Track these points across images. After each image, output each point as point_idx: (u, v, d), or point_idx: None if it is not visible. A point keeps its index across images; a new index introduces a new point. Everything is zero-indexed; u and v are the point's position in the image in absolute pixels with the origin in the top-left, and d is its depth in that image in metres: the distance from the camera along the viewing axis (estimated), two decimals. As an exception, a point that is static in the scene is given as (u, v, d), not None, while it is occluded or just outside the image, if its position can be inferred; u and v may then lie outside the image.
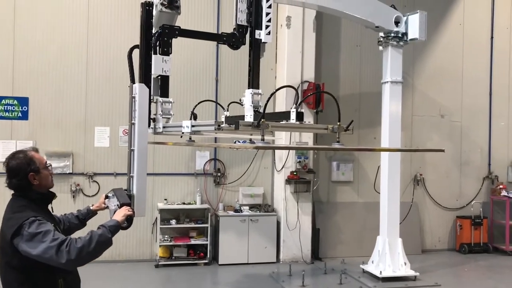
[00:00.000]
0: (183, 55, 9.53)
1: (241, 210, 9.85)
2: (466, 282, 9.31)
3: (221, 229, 9.55)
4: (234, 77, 9.95)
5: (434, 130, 11.19)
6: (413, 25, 8.26)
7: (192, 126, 5.02)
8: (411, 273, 8.62)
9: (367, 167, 10.71)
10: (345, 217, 10.57)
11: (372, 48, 9.68)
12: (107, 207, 4.00)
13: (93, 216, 4.14)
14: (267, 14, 4.87)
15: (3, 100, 9.18)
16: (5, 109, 9.18)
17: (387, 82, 8.57)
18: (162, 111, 5.11)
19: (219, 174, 10.03)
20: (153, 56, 4.81)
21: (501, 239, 11.18)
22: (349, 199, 10.71)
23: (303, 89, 9.67)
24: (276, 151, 10.18)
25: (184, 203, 9.80)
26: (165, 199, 9.74)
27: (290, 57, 9.75)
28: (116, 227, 3.47)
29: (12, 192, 3.48)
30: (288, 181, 9.76)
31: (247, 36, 5.01)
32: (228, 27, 5.41)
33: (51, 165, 3.63)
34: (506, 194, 11.06)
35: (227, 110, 5.51)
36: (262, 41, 4.92)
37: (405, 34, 8.37)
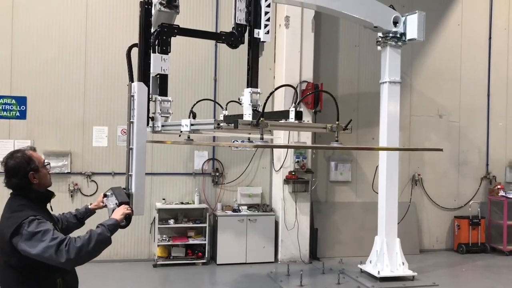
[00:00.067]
0: (181, 55, 9.55)
1: (239, 210, 9.85)
2: (464, 282, 9.34)
3: (219, 229, 9.55)
4: (233, 76, 9.96)
5: (432, 130, 11.20)
6: (412, 25, 8.27)
7: (191, 124, 5.02)
8: (409, 273, 8.62)
9: (365, 167, 10.72)
10: (343, 217, 10.58)
11: (370, 48, 9.70)
12: (105, 206, 4.00)
13: (92, 215, 4.14)
14: (266, 13, 4.87)
15: (1, 100, 9.16)
16: (3, 108, 9.17)
17: (386, 82, 8.57)
18: (161, 110, 5.11)
19: (217, 174, 10.04)
20: (152, 54, 4.81)
21: (498, 239, 11.20)
22: (347, 199, 10.72)
23: (302, 89, 9.68)
24: (275, 151, 10.18)
25: (182, 203, 9.80)
26: (163, 199, 9.74)
27: (289, 57, 9.76)
28: (115, 226, 3.47)
29: (11, 191, 3.48)
30: (287, 181, 9.77)
31: (246, 35, 5.01)
32: (226, 27, 5.42)
33: (49, 164, 3.64)
34: (504, 194, 11.08)
35: (226, 109, 5.51)
36: (261, 40, 4.91)
37: (403, 34, 8.37)
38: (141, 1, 4.75)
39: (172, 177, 9.88)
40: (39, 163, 3.47)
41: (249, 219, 9.68)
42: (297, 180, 9.76)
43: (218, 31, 5.76)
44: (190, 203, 9.80)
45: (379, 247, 8.71)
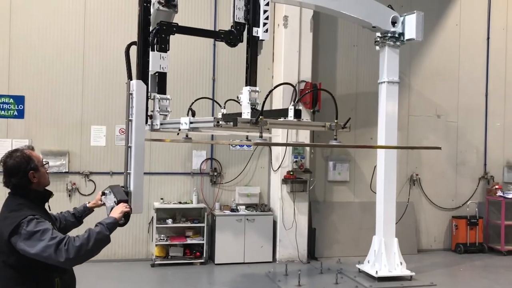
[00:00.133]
0: (180, 55, 9.55)
1: (238, 210, 9.84)
2: (462, 282, 9.34)
3: (218, 229, 9.54)
4: (231, 76, 9.96)
5: (430, 130, 11.22)
6: (410, 25, 8.28)
7: (191, 122, 5.01)
8: (407, 273, 8.62)
9: (363, 167, 10.73)
10: (341, 216, 10.58)
11: (369, 48, 9.71)
12: (103, 204, 3.98)
13: (90, 214, 4.12)
14: (265, 11, 4.88)
15: (-1, 99, 9.16)
16: (1, 107, 9.14)
17: (384, 82, 8.58)
18: (159, 108, 5.10)
19: (215, 173, 10.03)
20: (150, 52, 4.80)
21: (496, 239, 11.22)
22: (345, 199, 10.73)
23: (300, 88, 9.68)
24: (273, 151, 10.18)
25: (180, 203, 9.78)
26: (161, 199, 9.72)
27: (287, 56, 9.76)
28: (113, 224, 3.46)
29: (8, 191, 3.46)
30: (285, 180, 9.77)
31: (245, 33, 5.01)
32: (225, 25, 5.41)
33: (48, 163, 3.62)
34: (501, 194, 11.10)
35: (224, 108, 5.50)
36: (260, 38, 4.92)
37: (402, 34, 8.38)
38: (140, -1, 4.74)
39: (170, 176, 9.87)
40: (38, 162, 3.47)
41: (247, 219, 9.68)
42: (295, 180, 9.76)
43: (217, 30, 5.76)
44: (188, 203, 9.78)
45: (377, 247, 8.71)
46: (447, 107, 11.39)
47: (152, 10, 4.96)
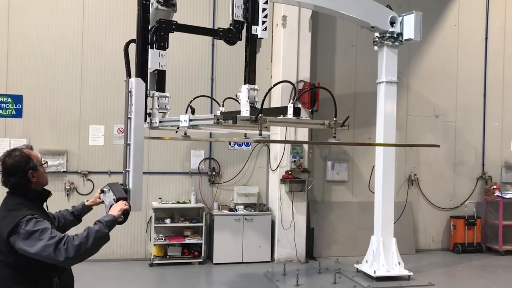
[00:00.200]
0: (178, 55, 9.53)
1: (236, 209, 9.84)
2: (460, 281, 9.34)
3: (216, 228, 9.54)
4: (230, 76, 9.96)
5: (428, 130, 11.22)
6: (409, 25, 8.29)
7: (190, 120, 5.01)
8: (405, 272, 8.64)
9: (361, 167, 10.73)
10: (339, 216, 10.59)
11: (367, 48, 9.73)
12: (102, 202, 3.98)
13: (88, 212, 4.11)
14: (264, 9, 4.88)
15: (-3, 98, 9.15)
16: (-1, 106, 9.15)
17: (382, 82, 8.59)
18: (158, 106, 5.10)
19: (214, 173, 10.02)
20: (150, 50, 4.80)
21: (494, 239, 11.23)
22: (343, 198, 10.73)
23: (299, 89, 9.68)
24: (271, 150, 10.19)
25: (178, 202, 9.78)
26: (160, 198, 9.72)
27: (286, 56, 9.77)
28: (112, 222, 3.46)
29: (7, 190, 3.45)
30: (283, 180, 9.77)
31: (243, 31, 5.01)
32: (224, 24, 5.42)
33: (47, 162, 3.61)
34: (499, 194, 11.11)
35: (223, 106, 5.50)
36: (259, 36, 4.93)
37: (400, 34, 8.39)
38: (139, -4, 4.74)
39: (169, 176, 9.87)
40: (37, 161, 3.46)
41: (245, 219, 9.67)
42: (293, 180, 9.76)
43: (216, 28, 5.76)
44: (187, 203, 9.78)
45: (375, 246, 8.72)
46: (445, 107, 11.40)
47: (151, 10, 4.97)
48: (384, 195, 8.67)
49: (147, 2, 4.60)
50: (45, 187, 3.57)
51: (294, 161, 9.75)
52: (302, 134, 9.78)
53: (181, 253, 9.51)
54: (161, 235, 9.50)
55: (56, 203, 8.07)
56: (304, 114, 9.57)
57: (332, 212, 10.57)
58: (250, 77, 4.80)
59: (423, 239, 11.27)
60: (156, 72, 5.05)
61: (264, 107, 4.63)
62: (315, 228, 10.25)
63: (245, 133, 5.55)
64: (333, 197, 10.69)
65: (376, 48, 8.72)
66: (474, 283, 9.09)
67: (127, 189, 4.00)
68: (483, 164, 11.70)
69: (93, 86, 9.52)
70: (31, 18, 9.24)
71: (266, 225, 9.81)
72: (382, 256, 8.56)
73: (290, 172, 9.74)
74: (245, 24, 4.98)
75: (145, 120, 4.87)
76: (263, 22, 4.88)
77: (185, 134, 5.85)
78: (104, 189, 3.93)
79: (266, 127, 4.47)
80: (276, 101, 9.55)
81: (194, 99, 6.12)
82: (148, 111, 5.19)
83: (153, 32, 4.85)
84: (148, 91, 4.92)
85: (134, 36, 4.85)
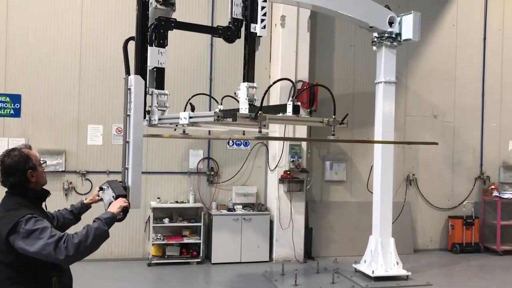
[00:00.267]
0: (177, 55, 9.52)
1: (234, 209, 9.83)
2: (458, 281, 9.36)
3: (214, 228, 9.53)
4: (228, 76, 9.94)
5: (427, 130, 11.24)
6: (407, 25, 8.30)
7: (190, 117, 5.00)
8: (403, 272, 8.64)
9: (360, 167, 10.74)
10: (338, 216, 10.59)
11: (366, 48, 9.74)
12: (101, 200, 3.97)
13: (87, 210, 4.11)
14: (263, 8, 4.89)
15: (-5, 97, 9.14)
16: (-3, 106, 9.14)
17: (381, 82, 8.60)
18: (157, 103, 5.09)
19: (212, 173, 10.02)
20: (149, 48, 4.80)
21: (492, 239, 11.26)
22: (342, 198, 10.74)
23: (298, 88, 9.67)
24: (270, 150, 10.20)
25: (177, 202, 9.77)
26: (158, 198, 9.71)
27: (284, 56, 9.77)
28: (112, 219, 3.45)
29: (6, 190, 3.45)
30: (282, 180, 9.77)
31: (242, 30, 5.02)
32: (222, 23, 5.42)
33: (45, 162, 3.62)
34: (497, 194, 11.14)
35: (221, 104, 5.50)
36: (258, 34, 4.93)
37: (398, 34, 8.40)
38: (138, -6, 4.74)
39: (167, 176, 9.86)
40: (36, 161, 3.46)
41: (244, 218, 9.67)
42: (292, 180, 9.76)
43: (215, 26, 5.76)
44: (185, 202, 9.77)
45: (373, 246, 8.72)
46: (443, 107, 11.42)
47: (150, 9, 4.97)
48: (383, 195, 8.68)
49: (147, 0, 4.60)
50: (44, 187, 3.56)
51: (293, 161, 9.75)
52: (301, 133, 9.79)
53: (179, 253, 9.50)
54: (159, 234, 9.49)
55: (55, 203, 8.03)
56: (303, 114, 9.57)
57: (331, 212, 10.58)
58: (249, 75, 4.80)
59: (421, 239, 11.29)
60: (155, 69, 5.05)
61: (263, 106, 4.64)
62: (314, 228, 10.25)
63: (243, 131, 5.55)
64: (331, 197, 10.69)
65: (374, 48, 8.73)
66: (472, 283, 9.10)
67: (126, 186, 3.99)
68: (481, 164, 11.72)
69: (91, 86, 9.51)
70: (30, 18, 9.23)
71: (264, 225, 9.81)
72: (380, 256, 8.57)
73: (288, 172, 9.75)
74: (244, 22, 4.99)
75: (144, 117, 4.88)
76: (262, 20, 4.88)
77: (184, 132, 5.85)
78: (103, 187, 3.92)
79: (265, 125, 4.46)
80: (274, 100, 9.55)
81: (192, 96, 6.13)
82: (147, 108, 5.19)
83: (152, 30, 4.86)
84: (147, 89, 4.91)
85: (135, 30, 4.84)
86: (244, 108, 4.61)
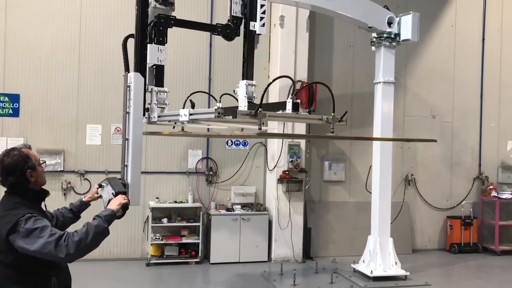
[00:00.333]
0: (176, 55, 9.51)
1: (233, 209, 9.83)
2: (456, 281, 9.37)
3: (213, 228, 9.52)
4: (227, 76, 9.94)
5: (425, 131, 11.24)
6: (406, 26, 8.31)
7: (190, 114, 5.00)
8: (402, 272, 8.64)
9: (358, 167, 10.75)
10: (336, 216, 10.59)
11: (365, 49, 9.74)
12: (100, 197, 3.97)
13: (87, 208, 4.11)
14: (262, 6, 4.90)
15: (-6, 97, 9.13)
16: (-4, 105, 9.14)
17: (380, 82, 8.61)
18: (157, 100, 5.09)
19: (211, 173, 10.01)
20: (148, 45, 4.80)
21: (490, 239, 11.26)
22: (341, 198, 10.74)
23: (296, 88, 9.69)
24: (269, 150, 10.20)
25: (176, 202, 9.76)
26: (157, 198, 9.71)
27: (283, 56, 9.78)
28: (111, 216, 3.46)
29: (5, 190, 3.45)
30: (280, 180, 9.77)
31: (242, 28, 5.03)
32: (221, 21, 5.43)
33: (44, 162, 3.62)
34: (496, 194, 11.14)
35: (220, 102, 5.51)
36: (257, 32, 4.94)
37: (397, 34, 8.42)
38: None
39: (166, 175, 9.85)
40: (35, 161, 3.46)
41: (242, 218, 9.67)
42: (291, 180, 9.77)
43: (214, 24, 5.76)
44: (184, 202, 9.77)
45: (372, 246, 8.72)
46: (442, 107, 11.44)
47: (149, 8, 4.97)
48: (381, 195, 8.68)
49: (146, -3, 4.62)
50: (43, 187, 3.57)
51: (292, 161, 9.75)
52: (300, 131, 9.75)
53: (178, 253, 9.49)
54: (158, 234, 9.48)
55: (53, 203, 7.85)
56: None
57: (329, 212, 10.58)
58: (248, 73, 4.81)
59: (419, 239, 11.29)
60: (154, 67, 5.05)
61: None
62: (312, 228, 10.25)
63: (242, 128, 5.55)
64: (330, 197, 10.69)
65: (373, 48, 8.74)
66: (470, 283, 9.11)
67: (126, 184, 3.99)
68: (479, 164, 11.73)
69: (90, 86, 9.50)
70: (29, 17, 9.22)
71: (263, 225, 9.81)
72: (379, 256, 8.57)
73: (287, 172, 9.75)
74: (243, 20, 5.00)
75: (144, 115, 4.87)
76: (261, 18, 4.89)
77: (182, 129, 5.85)
78: (102, 184, 3.93)
79: (263, 123, 4.46)
80: (273, 100, 9.48)
81: (191, 94, 6.13)
82: (146, 106, 5.19)
83: (151, 27, 4.86)
84: (146, 86, 4.91)
85: (134, 27, 4.84)
86: (243, 106, 4.62)
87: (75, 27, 9.43)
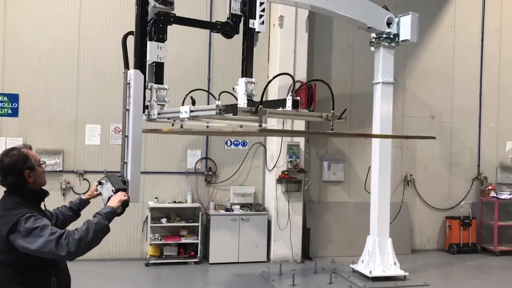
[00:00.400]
0: (175, 55, 9.51)
1: (232, 209, 9.83)
2: (455, 282, 9.37)
3: (212, 228, 9.52)
4: (226, 77, 9.94)
5: (424, 131, 11.21)
6: (405, 26, 8.34)
7: (191, 111, 5.00)
8: (401, 273, 8.65)
9: (358, 167, 10.75)
10: (335, 216, 10.59)
11: (364, 49, 9.76)
12: (99, 194, 3.96)
13: (86, 206, 4.11)
14: (261, 3, 4.91)
15: (-7, 97, 9.12)
16: (-5, 105, 9.13)
17: (379, 82, 8.62)
18: (157, 98, 5.09)
19: (210, 173, 10.01)
20: (148, 42, 4.80)
21: (489, 239, 11.27)
22: (340, 199, 10.74)
23: (296, 88, 9.68)
24: (268, 150, 10.21)
25: (175, 202, 9.76)
26: (156, 198, 9.70)
27: (283, 56, 9.79)
28: (112, 213, 3.45)
29: (4, 189, 3.44)
30: (279, 180, 9.77)
31: (241, 26, 5.03)
32: (220, 19, 5.44)
33: (44, 163, 3.61)
34: (494, 195, 11.16)
35: (219, 99, 5.52)
36: (256, 30, 4.95)
37: (396, 35, 8.45)
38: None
39: (165, 176, 9.85)
40: (35, 161, 3.46)
41: (241, 219, 9.67)
42: (290, 180, 9.77)
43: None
44: (183, 202, 9.76)
45: (371, 247, 8.72)
46: (441, 108, 11.45)
47: (149, 8, 4.98)
48: (380, 195, 8.69)
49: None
50: (43, 187, 3.56)
51: (291, 161, 9.75)
52: (300, 129, 9.74)
53: (177, 253, 9.48)
54: (157, 234, 9.48)
55: (52, 203, 7.81)
56: (302, 111, 9.57)
57: (328, 212, 10.58)
58: (247, 71, 4.82)
59: (418, 240, 11.29)
60: (154, 64, 5.05)
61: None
62: (311, 228, 10.24)
63: (241, 125, 5.54)
64: (329, 197, 10.70)
65: (372, 48, 8.76)
66: (469, 283, 9.12)
67: (126, 181, 3.98)
68: (478, 165, 11.75)
69: (89, 85, 9.50)
70: (28, 17, 9.23)
71: (262, 225, 9.81)
72: (378, 256, 8.58)
73: (286, 172, 9.75)
74: (242, 18, 5.01)
75: (143, 112, 4.88)
76: (261, 16, 4.90)
77: (181, 127, 5.84)
78: (102, 181, 3.91)
79: (262, 121, 4.46)
80: (272, 98, 9.52)
81: (190, 92, 6.14)
82: (146, 103, 5.19)
83: (151, 24, 4.86)
84: (146, 83, 4.91)
85: (134, 25, 4.85)
86: (242, 103, 4.62)
87: (74, 28, 9.42)
